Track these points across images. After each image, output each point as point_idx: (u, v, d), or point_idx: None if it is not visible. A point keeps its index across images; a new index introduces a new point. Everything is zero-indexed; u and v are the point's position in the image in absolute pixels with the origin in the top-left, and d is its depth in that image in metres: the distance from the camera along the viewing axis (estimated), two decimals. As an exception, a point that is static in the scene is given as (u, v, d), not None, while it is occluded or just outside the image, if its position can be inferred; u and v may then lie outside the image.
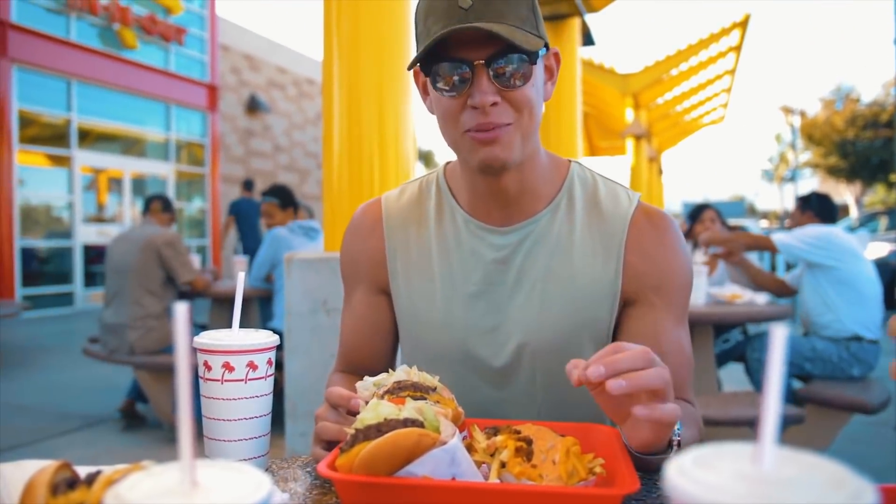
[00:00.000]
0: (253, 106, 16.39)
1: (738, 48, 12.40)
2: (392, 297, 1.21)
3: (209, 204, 14.86)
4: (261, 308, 5.12)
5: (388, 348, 1.27)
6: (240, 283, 1.01)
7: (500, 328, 1.13)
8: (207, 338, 0.95)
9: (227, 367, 0.93)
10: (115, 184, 12.79)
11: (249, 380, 0.94)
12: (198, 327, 5.69)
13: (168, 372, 4.20)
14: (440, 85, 1.03)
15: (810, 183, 37.76)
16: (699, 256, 4.25)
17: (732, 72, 14.14)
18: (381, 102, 2.64)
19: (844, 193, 32.15)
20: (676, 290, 1.12)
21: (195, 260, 5.44)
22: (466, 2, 0.96)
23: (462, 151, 1.09)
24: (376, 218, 1.23)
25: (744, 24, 11.31)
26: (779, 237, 3.64)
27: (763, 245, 3.77)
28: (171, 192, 13.58)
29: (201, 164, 14.83)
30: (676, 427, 0.89)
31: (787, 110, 30.22)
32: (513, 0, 1.00)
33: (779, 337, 0.38)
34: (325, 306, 2.45)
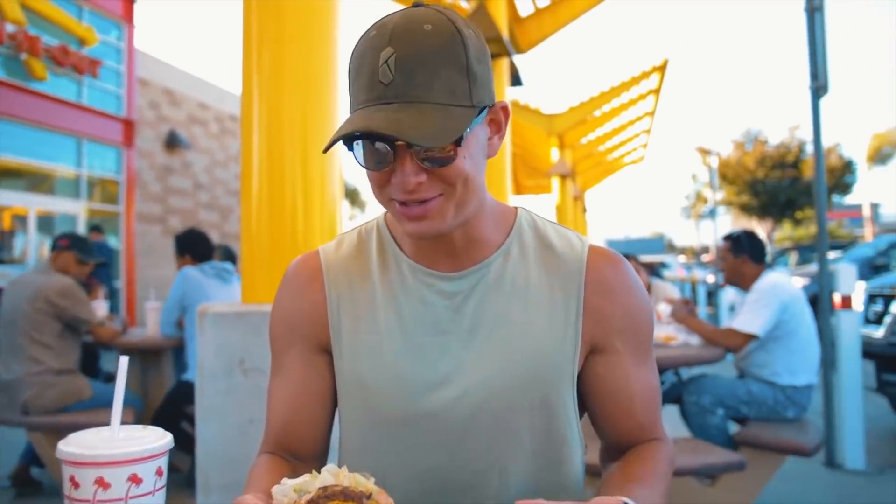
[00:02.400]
0: (172, 142, 15.84)
1: (657, 91, 12.83)
2: (333, 357, 1.09)
3: (124, 244, 14.18)
4: (174, 358, 4.77)
5: (327, 422, 1.13)
6: (122, 369, 0.80)
7: (453, 381, 1.03)
8: (76, 444, 0.74)
9: (101, 483, 0.72)
10: (20, 222, 12.03)
11: (131, 498, 0.73)
12: (105, 377, 5.28)
13: (70, 433, 3.80)
14: (360, 161, 0.94)
15: (724, 220, 39.39)
16: None
17: (652, 113, 14.62)
18: (306, 141, 2.46)
19: (756, 230, 33.64)
20: (641, 328, 1.10)
21: (101, 307, 5.05)
22: (387, 76, 0.89)
23: (393, 216, 1.01)
24: (315, 270, 1.13)
25: (662, 69, 11.70)
26: (745, 323, 3.51)
27: (735, 343, 3.56)
28: (81, 231, 12.88)
29: (115, 202, 14.16)
30: None
31: (704, 151, 31.54)
32: (442, 65, 0.89)
33: None
34: (243, 365, 2.21)
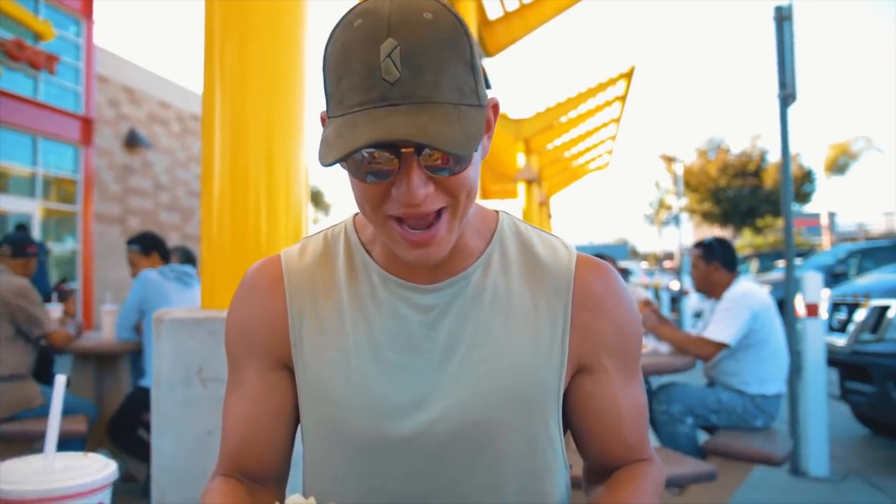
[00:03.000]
0: (132, 141, 15.46)
1: (623, 98, 12.94)
2: (295, 373, 0.99)
3: (81, 244, 13.78)
4: (132, 363, 4.60)
5: (288, 441, 1.03)
6: (58, 389, 0.71)
7: (429, 403, 0.94)
8: (5, 480, 0.64)
9: (31, 523, 0.62)
10: (-29, 222, 11.62)
11: (65, 539, 0.64)
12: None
13: (20, 441, 3.64)
14: (357, 172, 0.82)
15: (687, 227, 40.00)
16: None
17: (618, 120, 14.73)
18: (271, 141, 2.35)
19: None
20: (630, 345, 1.02)
21: (55, 310, 4.85)
22: (392, 73, 0.76)
23: (383, 234, 0.89)
24: (275, 277, 1.02)
25: (629, 76, 11.79)
26: (716, 332, 3.48)
27: (706, 351, 3.52)
28: (36, 231, 12.48)
29: (73, 201, 13.76)
30: None
31: (668, 158, 32.01)
32: (449, 60, 0.79)
33: None
34: (201, 375, 2.10)
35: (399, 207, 0.83)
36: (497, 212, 1.06)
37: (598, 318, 0.99)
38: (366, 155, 0.79)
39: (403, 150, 0.79)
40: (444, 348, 0.95)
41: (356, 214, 1.06)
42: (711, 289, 3.76)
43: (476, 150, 0.80)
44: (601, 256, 4.45)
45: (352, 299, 0.98)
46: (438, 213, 0.86)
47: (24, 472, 0.66)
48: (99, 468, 0.67)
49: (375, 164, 0.80)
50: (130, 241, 4.47)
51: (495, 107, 0.92)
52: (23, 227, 10.23)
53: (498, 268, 0.99)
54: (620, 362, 1.01)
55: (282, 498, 1.00)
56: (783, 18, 4.77)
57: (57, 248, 13.51)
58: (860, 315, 5.13)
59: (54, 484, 0.64)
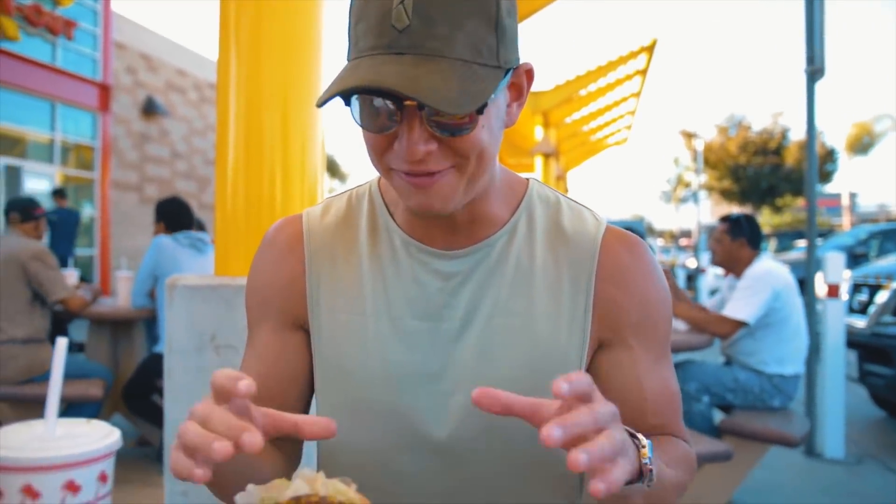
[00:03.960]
0: (149, 109, 15.46)
1: (643, 72, 12.71)
2: (311, 335, 0.97)
3: (99, 211, 13.87)
4: (147, 330, 4.62)
5: (302, 404, 1.01)
6: (59, 353, 0.68)
7: (445, 375, 0.91)
8: (4, 445, 0.61)
9: (29, 492, 0.60)
10: (-10, 186, 11.70)
11: (66, 510, 0.61)
12: (75, 347, 5.11)
13: (34, 405, 3.67)
14: (359, 120, 0.79)
15: (705, 205, 39.65)
16: None
17: (638, 94, 14.51)
18: (286, 107, 2.31)
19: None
20: (659, 323, 0.96)
21: (71, 275, 4.88)
22: (402, 19, 0.73)
23: (391, 184, 0.86)
24: (295, 236, 1.00)
25: (651, 49, 11.57)
26: (736, 310, 3.42)
27: (725, 329, 3.46)
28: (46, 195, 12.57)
29: (90, 168, 13.82)
30: (647, 453, 0.76)
31: (688, 135, 31.61)
32: (466, 14, 0.74)
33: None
34: (215, 342, 2.08)
35: (401, 162, 0.80)
36: (528, 180, 1.02)
37: (622, 292, 0.94)
38: (363, 102, 0.78)
39: (406, 102, 0.75)
40: (462, 317, 0.92)
41: (381, 176, 1.03)
42: (734, 265, 3.69)
43: (479, 112, 0.77)
44: (630, 230, 4.39)
45: (372, 262, 0.96)
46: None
47: (24, 437, 0.63)
48: (101, 436, 0.64)
49: (377, 115, 0.78)
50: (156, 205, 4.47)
51: (528, 72, 0.87)
52: (61, 192, 10.33)
53: (523, 237, 0.95)
54: (646, 340, 0.95)
55: (288, 471, 0.98)
56: (814, -10, 4.63)
57: (74, 215, 13.60)
58: (882, 297, 5.05)
59: (55, 451, 0.61)
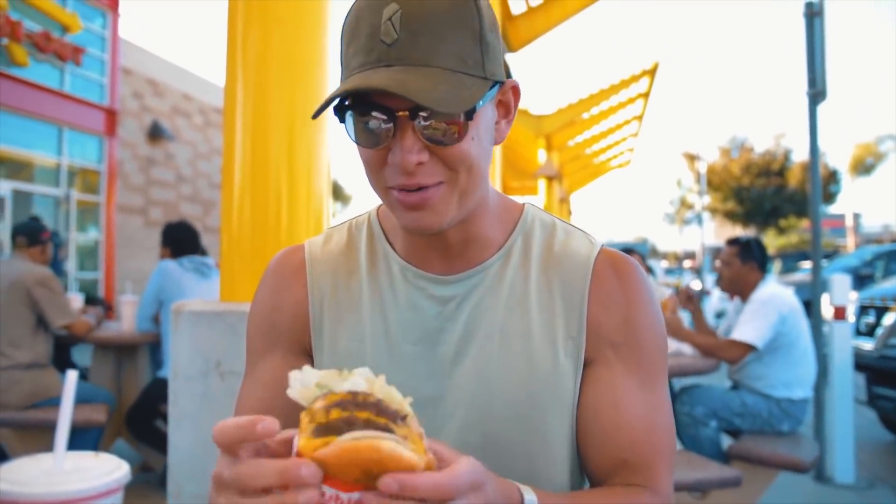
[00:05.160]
0: (155, 133, 15.56)
1: (646, 95, 12.79)
2: (314, 362, 0.98)
3: (104, 234, 13.91)
4: (151, 354, 4.61)
5: None
6: (69, 385, 0.67)
7: (443, 399, 0.91)
8: (8, 478, 0.61)
9: (36, 528, 0.59)
10: (-4, 210, 11.75)
11: (72, 545, 0.60)
12: (79, 371, 5.09)
13: (38, 430, 3.65)
14: (354, 135, 0.82)
15: (709, 227, 39.64)
16: None
17: (640, 117, 14.58)
18: (292, 132, 2.32)
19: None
20: (643, 345, 0.93)
21: (76, 299, 4.88)
22: (390, 34, 0.78)
23: (387, 206, 0.89)
24: (298, 265, 1.03)
25: (653, 72, 11.65)
26: (744, 334, 3.40)
27: (734, 354, 3.45)
28: (60, 220, 12.62)
29: (96, 191, 13.89)
30: None
31: (691, 157, 31.68)
32: (450, 27, 0.79)
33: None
34: (220, 368, 2.08)
35: (395, 177, 0.83)
36: (523, 204, 1.03)
37: (606, 312, 0.93)
38: (357, 117, 0.80)
39: (399, 113, 0.78)
40: (459, 341, 0.93)
41: (380, 206, 1.05)
42: (740, 288, 3.67)
43: (468, 118, 0.80)
44: (629, 251, 4.38)
45: (371, 289, 0.98)
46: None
47: (32, 472, 0.62)
48: (109, 470, 0.64)
49: (370, 130, 0.81)
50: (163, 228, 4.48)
51: (514, 89, 0.91)
52: (36, 219, 10.34)
53: (518, 260, 0.97)
54: (629, 362, 0.92)
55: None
56: (814, 14, 4.66)
57: (80, 238, 13.65)
58: (889, 319, 5.02)
59: (64, 486, 0.60)
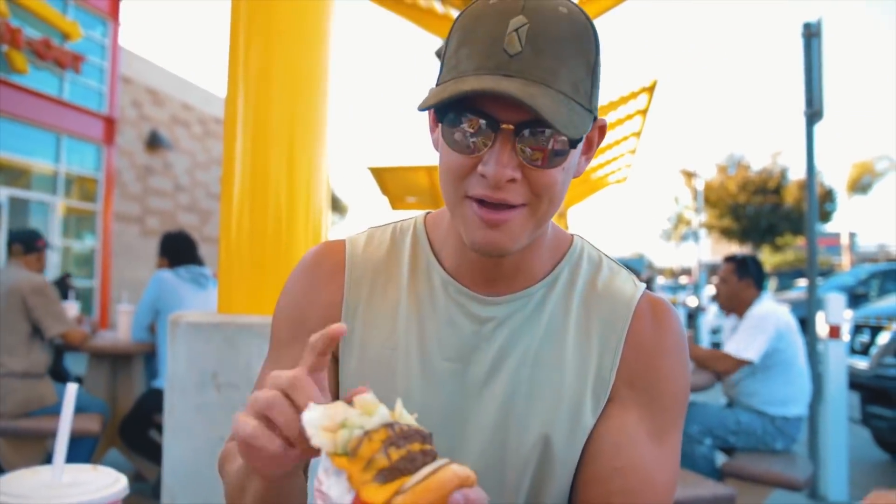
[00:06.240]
0: (154, 142, 15.60)
1: (644, 111, 12.82)
2: (339, 365, 0.96)
3: (100, 243, 13.89)
4: (146, 364, 4.60)
5: None
6: (69, 399, 0.68)
7: (469, 419, 0.91)
8: (7, 491, 0.61)
9: (35, 540, 0.59)
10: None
11: (71, 558, 0.60)
12: (73, 380, 5.07)
13: (32, 439, 3.64)
14: (450, 137, 0.80)
15: (705, 243, 39.72)
16: None
17: (638, 134, 14.61)
18: (292, 145, 2.34)
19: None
20: (663, 395, 0.92)
21: (72, 307, 4.87)
22: (514, 46, 0.76)
23: (457, 217, 0.86)
24: (338, 264, 1.00)
25: (651, 90, 11.68)
26: (740, 349, 3.41)
27: (727, 367, 3.46)
28: (57, 228, 12.61)
29: (93, 199, 13.89)
30: None
31: (688, 174, 31.80)
32: (572, 54, 0.78)
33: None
34: (216, 380, 2.07)
35: (481, 187, 0.80)
36: (573, 235, 1.03)
37: (636, 356, 0.93)
38: (458, 120, 0.79)
39: (503, 125, 0.77)
40: (491, 363, 0.92)
41: (428, 213, 1.04)
42: (737, 305, 3.69)
43: (573, 145, 0.79)
44: (628, 268, 4.38)
45: (410, 298, 0.96)
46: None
47: (30, 485, 0.63)
48: (107, 483, 0.64)
49: (470, 134, 0.79)
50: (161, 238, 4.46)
51: (602, 128, 0.90)
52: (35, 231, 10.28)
53: (561, 292, 0.96)
54: (644, 407, 0.91)
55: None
56: (812, 35, 4.70)
57: (76, 246, 13.63)
58: (884, 338, 5.03)
59: (62, 499, 0.61)
